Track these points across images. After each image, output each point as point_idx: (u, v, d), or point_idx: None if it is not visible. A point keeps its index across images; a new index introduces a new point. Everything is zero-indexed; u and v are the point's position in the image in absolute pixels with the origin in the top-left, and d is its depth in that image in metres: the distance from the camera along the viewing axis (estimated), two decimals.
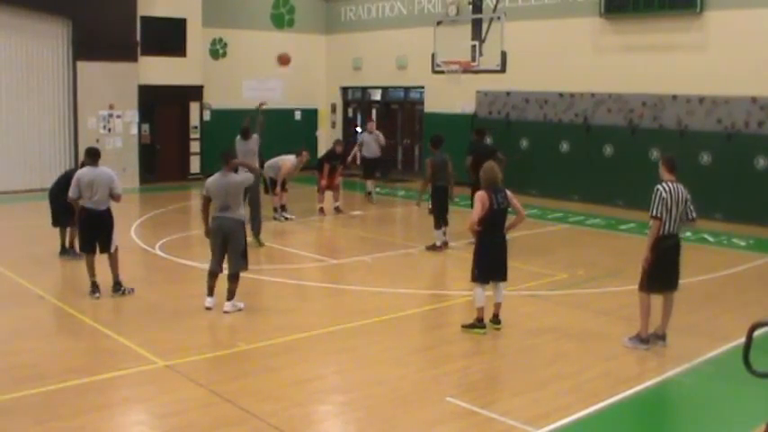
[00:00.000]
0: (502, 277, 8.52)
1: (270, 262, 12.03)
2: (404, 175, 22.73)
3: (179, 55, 20.63)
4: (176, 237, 13.59)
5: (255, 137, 13.08)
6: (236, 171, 9.40)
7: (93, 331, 8.40)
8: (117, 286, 9.64)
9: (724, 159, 15.79)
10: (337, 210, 16.31)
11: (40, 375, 6.96)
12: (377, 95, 24.31)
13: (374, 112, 24.07)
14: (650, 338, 8.02)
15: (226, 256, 9.04)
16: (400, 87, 23.29)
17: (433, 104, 21.62)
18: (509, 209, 8.51)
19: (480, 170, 13.13)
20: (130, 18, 19.57)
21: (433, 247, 12.70)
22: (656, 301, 8.06)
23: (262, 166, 14.22)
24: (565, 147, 18.51)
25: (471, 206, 13.27)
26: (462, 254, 12.14)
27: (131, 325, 8.66)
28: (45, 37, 18.81)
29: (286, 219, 15.20)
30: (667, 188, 7.81)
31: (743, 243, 13.91)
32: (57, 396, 6.53)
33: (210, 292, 9.09)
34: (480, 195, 8.31)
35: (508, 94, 19.58)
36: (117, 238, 9.82)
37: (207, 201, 9.08)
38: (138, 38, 19.74)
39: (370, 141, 18.34)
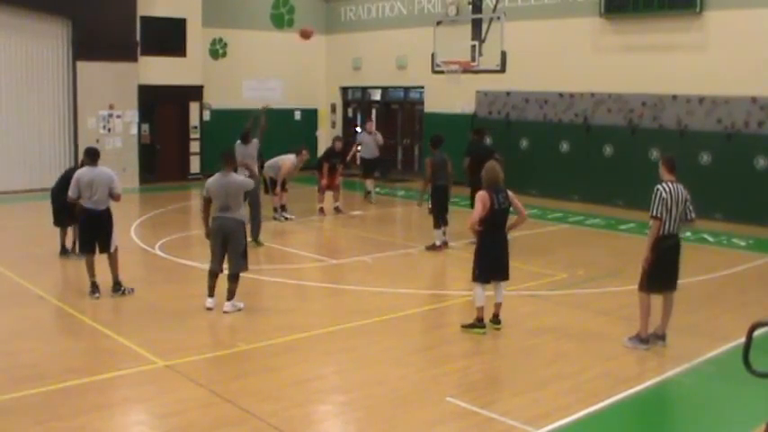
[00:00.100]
0: (503, 277, 8.53)
1: (270, 262, 12.03)
2: (404, 174, 22.74)
3: (179, 55, 20.64)
4: (176, 237, 13.59)
5: (255, 141, 13.11)
6: (235, 171, 9.40)
7: (93, 331, 8.40)
8: (117, 286, 9.64)
9: (724, 159, 15.79)
10: (337, 210, 16.30)
11: (40, 375, 6.96)
12: (377, 95, 24.31)
13: (374, 112, 24.08)
14: (650, 338, 8.02)
15: (226, 257, 9.04)
16: (400, 87, 23.29)
17: (432, 104, 21.63)
18: (510, 209, 8.51)
19: (477, 170, 13.33)
20: (130, 18, 19.58)
21: (432, 247, 12.70)
22: (656, 301, 8.06)
23: (262, 167, 14.21)
24: (565, 147, 18.52)
25: (471, 206, 13.40)
26: (462, 254, 12.15)
27: (131, 325, 8.67)
28: (45, 37, 18.81)
29: (286, 219, 15.20)
30: (667, 188, 7.81)
31: (743, 243, 13.91)
32: (57, 396, 6.53)
33: (211, 293, 9.09)
34: (481, 195, 8.31)
35: (508, 94, 19.58)
36: (117, 238, 9.83)
37: (207, 202, 9.07)
38: (138, 38, 19.74)
39: (369, 142, 18.35)
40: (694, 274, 10.75)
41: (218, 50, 22.21)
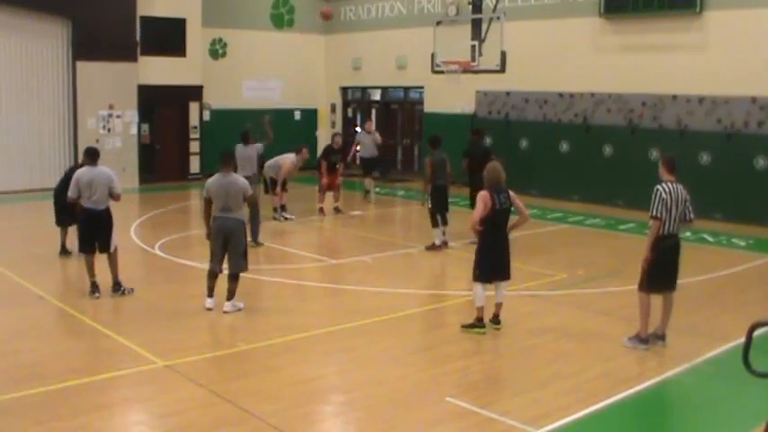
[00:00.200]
0: (504, 277, 8.53)
1: (270, 262, 12.03)
2: (403, 174, 22.74)
3: (179, 55, 20.64)
4: (176, 237, 13.59)
5: (258, 145, 13.11)
6: (235, 171, 9.41)
7: (93, 331, 8.40)
8: (116, 286, 9.64)
9: (724, 159, 15.79)
10: (337, 210, 16.30)
11: (40, 375, 6.96)
12: (376, 95, 24.31)
13: (374, 112, 24.08)
14: (650, 338, 8.02)
15: (226, 256, 9.04)
16: (400, 87, 23.29)
17: (432, 104, 21.63)
18: (512, 209, 8.51)
19: (476, 171, 13.35)
20: (130, 18, 19.57)
21: (432, 247, 12.70)
22: (656, 301, 8.06)
23: (261, 167, 14.20)
24: (565, 147, 18.52)
25: (470, 206, 13.42)
26: (462, 254, 12.15)
27: (131, 325, 8.66)
28: (45, 37, 18.81)
29: (286, 219, 15.19)
30: (667, 188, 7.81)
31: (743, 243, 13.91)
32: (57, 396, 6.53)
33: (210, 293, 9.09)
34: (483, 195, 8.32)
35: (508, 94, 19.58)
36: (116, 238, 9.83)
37: (208, 203, 9.06)
38: (138, 38, 19.74)
39: (368, 141, 18.37)
40: (694, 274, 10.75)
41: (217, 50, 22.21)
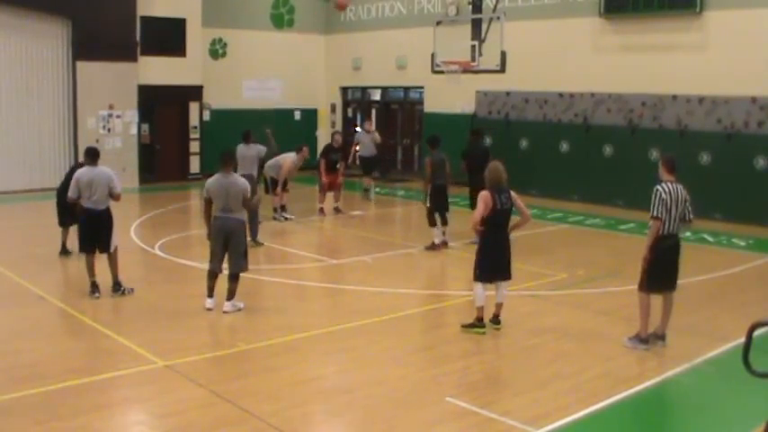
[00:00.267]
0: (504, 277, 8.53)
1: (270, 262, 12.02)
2: (403, 174, 22.74)
3: (179, 55, 20.64)
4: (176, 237, 13.59)
5: (259, 147, 13.14)
6: (235, 171, 9.40)
7: (93, 331, 8.40)
8: (116, 286, 9.64)
9: (724, 159, 15.79)
10: (337, 210, 16.30)
11: (40, 375, 6.96)
12: (377, 95, 24.32)
13: (374, 112, 24.08)
14: (650, 338, 8.02)
15: (226, 256, 9.04)
16: (400, 87, 23.29)
17: (432, 104, 21.63)
18: (513, 209, 8.52)
19: (474, 171, 13.36)
20: (130, 18, 19.57)
21: (432, 247, 12.70)
22: (656, 301, 8.06)
23: (262, 167, 14.20)
24: (565, 147, 18.52)
25: (470, 206, 13.42)
26: (462, 254, 12.16)
27: (131, 325, 8.66)
28: (45, 37, 18.81)
29: (286, 219, 15.19)
30: (667, 188, 7.81)
31: (743, 243, 13.91)
32: (57, 396, 6.53)
33: (210, 293, 9.09)
34: (484, 195, 8.32)
35: (508, 94, 19.58)
36: (117, 238, 9.83)
37: (208, 203, 9.06)
38: (138, 38, 19.74)
39: (367, 140, 18.38)
40: (694, 274, 10.75)
41: (217, 50, 22.21)
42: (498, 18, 16.25)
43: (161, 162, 20.76)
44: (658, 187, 7.84)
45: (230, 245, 8.96)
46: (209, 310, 9.02)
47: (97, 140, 18.21)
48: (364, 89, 24.35)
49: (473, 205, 12.93)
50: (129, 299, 9.58)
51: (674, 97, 16.59)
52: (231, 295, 9.02)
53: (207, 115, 21.70)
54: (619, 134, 17.46)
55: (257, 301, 9.62)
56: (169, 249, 12.41)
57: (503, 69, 16.01)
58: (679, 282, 8.17)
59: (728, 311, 9.50)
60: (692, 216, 8.04)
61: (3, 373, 7.04)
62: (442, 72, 17.72)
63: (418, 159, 22.32)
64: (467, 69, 16.94)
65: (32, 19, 18.53)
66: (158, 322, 8.71)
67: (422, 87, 21.95)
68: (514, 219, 8.61)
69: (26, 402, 6.40)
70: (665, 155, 8.43)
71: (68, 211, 10.54)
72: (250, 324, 8.78)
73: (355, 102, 24.74)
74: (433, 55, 17.20)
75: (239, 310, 9.05)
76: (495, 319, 8.54)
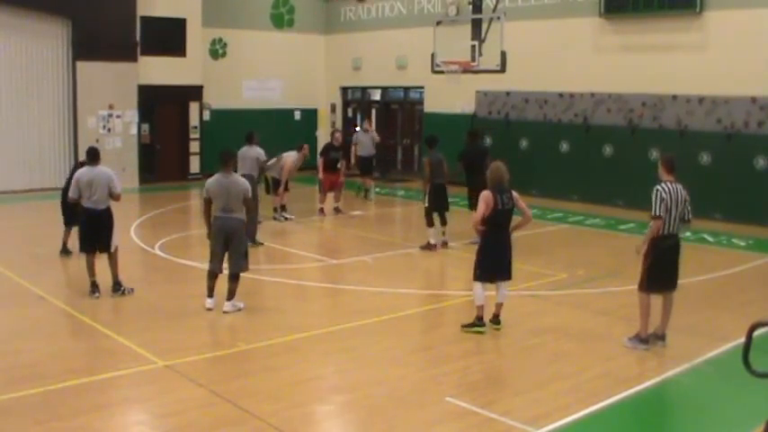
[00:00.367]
0: (504, 277, 8.52)
1: (270, 262, 12.02)
2: (403, 174, 22.74)
3: (179, 55, 20.63)
4: (176, 237, 13.60)
5: (260, 149, 13.14)
6: (235, 170, 9.40)
7: (93, 331, 8.40)
8: (117, 286, 9.64)
9: (724, 159, 15.79)
10: (337, 210, 16.30)
11: (40, 375, 6.96)
12: (377, 95, 24.31)
13: (374, 112, 24.08)
14: (650, 338, 8.02)
15: (226, 256, 9.03)
16: (400, 87, 23.29)
17: (432, 104, 21.63)
18: (515, 210, 8.52)
19: (471, 172, 13.36)
20: (130, 18, 19.57)
21: (427, 246, 12.70)
22: (656, 301, 8.06)
23: (263, 170, 14.14)
24: (565, 147, 18.52)
25: (469, 207, 13.42)
26: (461, 254, 12.16)
27: (131, 325, 8.66)
28: (45, 37, 18.81)
29: (286, 219, 15.19)
30: (667, 188, 7.81)
31: (743, 243, 13.91)
32: (56, 396, 6.53)
33: (210, 293, 9.09)
34: (485, 195, 8.33)
35: (508, 94, 19.58)
36: (117, 238, 9.83)
37: (208, 203, 9.05)
38: (138, 38, 19.73)
39: (366, 140, 18.37)
40: (694, 274, 10.76)
41: (217, 50, 22.21)
42: (498, 18, 16.25)
43: (161, 162, 20.76)
44: (658, 187, 7.84)
45: (231, 245, 8.96)
46: (210, 310, 9.02)
47: (97, 140, 18.20)
48: (364, 89, 24.34)
49: (471, 206, 12.97)
50: (129, 299, 9.58)
51: (674, 97, 16.59)
52: (231, 295, 9.02)
53: (207, 115, 21.70)
54: (619, 134, 17.46)
55: (257, 301, 9.62)
56: (169, 249, 12.41)
57: (503, 69, 16.01)
58: (679, 282, 8.17)
59: (728, 311, 9.50)
60: (690, 216, 8.04)
61: (3, 373, 7.04)
62: (442, 72, 17.72)
63: (418, 159, 22.30)
64: (467, 69, 16.94)
65: (32, 19, 18.53)
66: (158, 322, 8.71)
67: (422, 87, 21.95)
68: (516, 219, 8.61)
69: (26, 402, 6.40)
70: (664, 155, 8.43)
71: (72, 211, 10.53)
72: (250, 324, 8.78)
73: (355, 102, 24.73)
74: (433, 55, 17.19)
75: (239, 310, 9.05)
76: (495, 319, 8.54)
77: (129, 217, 14.91)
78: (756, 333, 4.48)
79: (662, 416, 6.84)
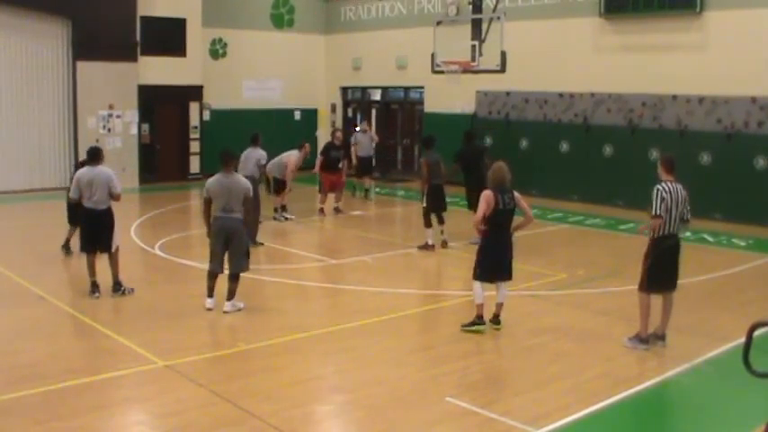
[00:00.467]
0: (504, 277, 8.52)
1: (270, 262, 12.02)
2: (403, 174, 22.74)
3: (179, 55, 20.63)
4: (176, 237, 13.60)
5: (263, 152, 13.12)
6: (236, 170, 9.40)
7: (93, 331, 8.40)
8: (117, 286, 9.64)
9: (724, 159, 15.79)
10: (337, 210, 16.30)
11: (40, 375, 6.96)
12: (377, 95, 24.30)
13: (374, 112, 24.07)
14: (650, 338, 8.02)
15: (226, 256, 9.03)
16: (400, 87, 23.28)
17: (432, 104, 21.62)
18: (516, 210, 8.52)
19: (468, 172, 13.36)
20: (130, 18, 19.57)
21: (425, 247, 12.69)
22: (656, 301, 8.06)
23: (263, 172, 14.13)
24: (565, 147, 18.51)
25: (467, 207, 13.42)
26: (461, 254, 12.16)
27: (131, 325, 8.66)
28: (45, 37, 18.81)
29: (286, 219, 15.19)
30: (667, 188, 7.81)
31: (743, 243, 13.91)
32: (56, 396, 6.53)
33: (210, 293, 9.09)
34: (486, 195, 8.33)
35: (508, 94, 19.58)
36: (118, 238, 9.83)
37: (208, 203, 9.05)
38: (138, 38, 19.74)
39: (365, 140, 18.37)
40: (694, 274, 10.75)
41: (218, 50, 22.21)
42: (498, 18, 16.25)
43: (161, 162, 20.75)
44: (659, 186, 7.84)
45: (231, 245, 8.96)
46: (210, 310, 9.02)
47: (97, 140, 18.17)
48: (364, 89, 24.34)
49: (470, 206, 12.98)
50: (129, 299, 9.58)
51: (674, 97, 16.59)
52: (231, 295, 9.02)
53: (207, 115, 21.69)
54: (619, 134, 17.46)
55: (257, 301, 9.62)
56: (169, 249, 12.41)
57: (503, 69, 16.01)
58: (679, 282, 8.17)
59: (728, 311, 9.50)
60: (689, 216, 8.05)
61: (3, 373, 7.04)
62: (442, 72, 17.72)
63: (418, 159, 22.25)
64: (467, 69, 16.94)
65: (32, 19, 18.53)
66: (158, 322, 8.71)
67: (422, 87, 21.95)
68: (517, 219, 8.61)
69: (26, 402, 6.40)
70: (664, 155, 8.43)
71: (76, 211, 10.51)
72: (250, 324, 8.78)
73: (355, 102, 24.73)
74: (433, 55, 17.20)
75: (239, 310, 9.05)
76: (495, 319, 8.54)
77: (130, 217, 14.91)
78: (756, 333, 4.48)
79: (662, 416, 6.84)
